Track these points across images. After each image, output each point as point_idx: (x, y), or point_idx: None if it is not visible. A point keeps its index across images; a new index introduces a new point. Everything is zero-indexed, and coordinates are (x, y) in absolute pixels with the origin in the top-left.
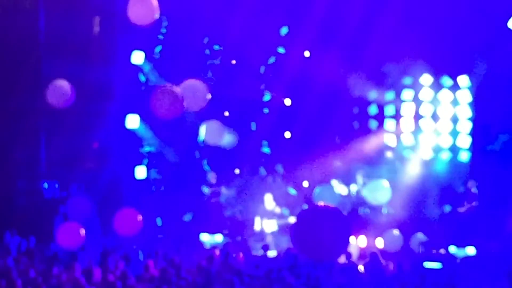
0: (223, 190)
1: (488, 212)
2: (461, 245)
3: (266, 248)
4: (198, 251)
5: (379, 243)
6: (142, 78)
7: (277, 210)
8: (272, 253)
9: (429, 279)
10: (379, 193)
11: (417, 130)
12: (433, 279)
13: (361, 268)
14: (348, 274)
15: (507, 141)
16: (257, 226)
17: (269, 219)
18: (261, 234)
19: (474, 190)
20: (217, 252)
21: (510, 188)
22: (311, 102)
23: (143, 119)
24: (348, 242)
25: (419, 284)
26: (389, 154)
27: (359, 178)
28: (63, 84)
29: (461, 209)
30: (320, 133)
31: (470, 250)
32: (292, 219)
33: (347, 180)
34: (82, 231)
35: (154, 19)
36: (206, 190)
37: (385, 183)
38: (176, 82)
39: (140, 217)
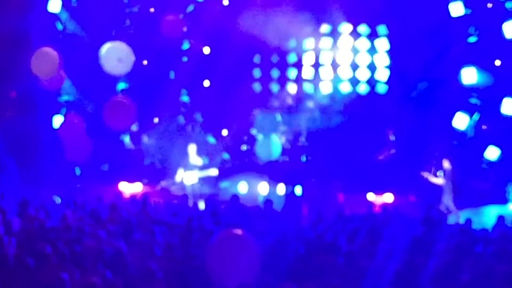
0: (143, 138)
1: (406, 159)
2: (379, 192)
3: (185, 197)
4: (118, 200)
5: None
6: (60, 26)
7: (199, 161)
8: (191, 203)
9: (350, 224)
10: (270, 149)
11: (336, 78)
12: (353, 224)
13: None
14: (266, 219)
15: (424, 89)
16: (178, 177)
17: (191, 170)
18: (182, 185)
19: (392, 137)
20: (137, 200)
21: (427, 135)
22: (230, 50)
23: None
24: None
25: (342, 229)
26: (309, 104)
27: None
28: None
29: (380, 157)
30: (239, 82)
31: (388, 197)
32: (213, 172)
33: None
34: None
35: None
36: (126, 139)
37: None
38: (93, 32)
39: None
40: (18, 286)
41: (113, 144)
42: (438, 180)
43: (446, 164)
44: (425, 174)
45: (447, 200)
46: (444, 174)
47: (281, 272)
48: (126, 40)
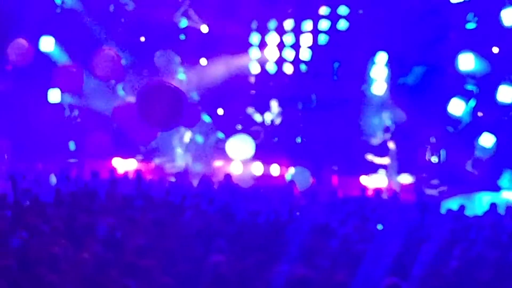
0: None
1: (402, 144)
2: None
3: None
4: (112, 176)
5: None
6: (58, 0)
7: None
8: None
9: (344, 208)
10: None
11: None
12: (346, 209)
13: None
14: (258, 200)
15: (420, 74)
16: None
17: (185, 151)
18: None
19: (388, 123)
20: (130, 177)
21: (423, 120)
22: (228, 29)
23: (58, 41)
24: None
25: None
26: None
27: (274, 106)
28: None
29: (375, 141)
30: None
31: (382, 181)
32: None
33: (262, 108)
34: None
35: None
36: None
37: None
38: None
39: None
40: (12, 261)
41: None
42: (383, 160)
43: (391, 144)
44: (369, 156)
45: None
46: (389, 154)
47: (275, 255)
48: (124, 16)
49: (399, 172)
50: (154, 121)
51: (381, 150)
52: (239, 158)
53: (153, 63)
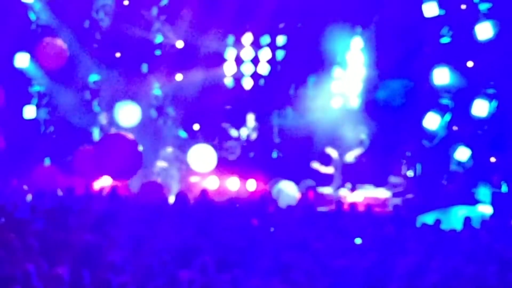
0: (112, 131)
1: (377, 158)
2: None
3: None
4: (87, 192)
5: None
6: (33, 16)
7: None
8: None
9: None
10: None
11: None
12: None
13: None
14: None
15: (395, 88)
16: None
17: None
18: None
19: (363, 137)
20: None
21: (398, 135)
22: (203, 44)
23: (33, 58)
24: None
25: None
26: None
27: (250, 120)
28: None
29: (350, 157)
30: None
31: (359, 195)
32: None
33: (238, 124)
34: None
35: None
36: (95, 131)
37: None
38: (67, 23)
39: None
40: None
41: (81, 136)
42: (328, 169)
43: (334, 153)
44: (314, 165)
45: (335, 188)
46: (332, 163)
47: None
48: (99, 32)
49: (376, 185)
50: (110, 172)
51: (326, 159)
52: (200, 169)
53: (128, 79)
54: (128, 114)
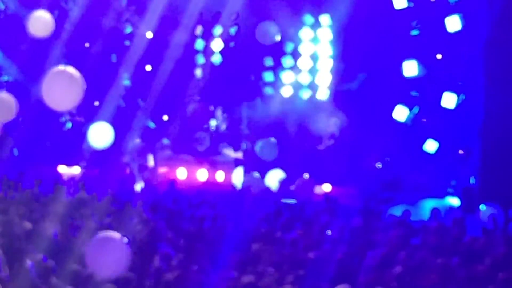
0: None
1: (345, 150)
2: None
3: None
4: (58, 182)
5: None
6: (1, 5)
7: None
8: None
9: (285, 213)
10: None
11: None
12: (288, 213)
13: None
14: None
15: (365, 80)
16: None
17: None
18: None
19: (333, 128)
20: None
21: (367, 126)
22: (173, 35)
23: (1, 47)
24: None
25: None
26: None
27: (219, 113)
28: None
29: (320, 147)
30: (179, 67)
31: (327, 187)
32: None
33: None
34: None
35: None
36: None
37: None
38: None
39: None
40: None
41: (53, 125)
42: (238, 154)
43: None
44: (226, 151)
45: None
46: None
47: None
48: (68, 22)
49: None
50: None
51: (236, 144)
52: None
53: (97, 71)
54: (100, 135)
